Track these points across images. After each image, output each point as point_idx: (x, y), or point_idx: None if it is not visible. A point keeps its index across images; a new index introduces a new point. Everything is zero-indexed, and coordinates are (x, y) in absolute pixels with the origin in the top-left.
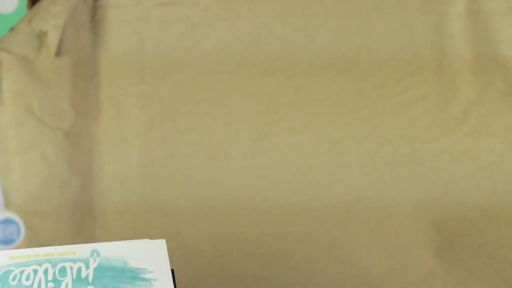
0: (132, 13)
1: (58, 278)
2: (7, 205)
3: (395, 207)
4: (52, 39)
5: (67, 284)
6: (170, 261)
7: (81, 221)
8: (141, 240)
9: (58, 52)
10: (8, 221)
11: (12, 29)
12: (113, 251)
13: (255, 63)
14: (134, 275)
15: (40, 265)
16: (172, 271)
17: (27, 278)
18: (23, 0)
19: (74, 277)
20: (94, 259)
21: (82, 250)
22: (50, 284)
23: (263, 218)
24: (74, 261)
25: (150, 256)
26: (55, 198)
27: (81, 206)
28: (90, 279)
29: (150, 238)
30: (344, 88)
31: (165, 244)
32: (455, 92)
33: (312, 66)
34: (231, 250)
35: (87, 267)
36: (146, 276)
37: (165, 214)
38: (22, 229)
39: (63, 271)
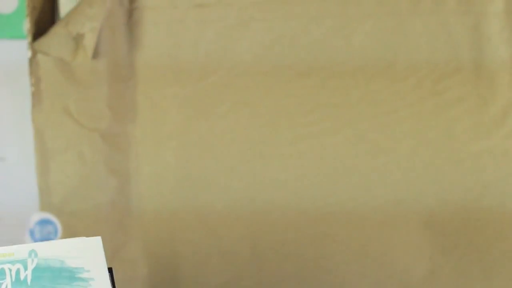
0: (167, 15)
1: None
2: (45, 205)
3: (433, 209)
4: (89, 42)
5: (6, 287)
6: (207, 263)
7: (118, 222)
8: (77, 238)
9: (95, 54)
10: (45, 221)
11: (49, 32)
12: (50, 250)
13: (291, 64)
14: (71, 275)
15: None
16: (110, 269)
17: None
18: (23, 0)
19: (13, 279)
20: (32, 260)
21: (20, 251)
22: None
23: (300, 219)
24: (12, 262)
25: (87, 255)
26: (92, 198)
27: (118, 207)
28: (28, 281)
29: (188, 239)
30: (381, 89)
31: (100, 242)
32: (493, 93)
33: (348, 67)
34: (268, 252)
35: (26, 268)
36: (84, 275)
37: (202, 215)
38: (59, 229)
39: (2, 273)
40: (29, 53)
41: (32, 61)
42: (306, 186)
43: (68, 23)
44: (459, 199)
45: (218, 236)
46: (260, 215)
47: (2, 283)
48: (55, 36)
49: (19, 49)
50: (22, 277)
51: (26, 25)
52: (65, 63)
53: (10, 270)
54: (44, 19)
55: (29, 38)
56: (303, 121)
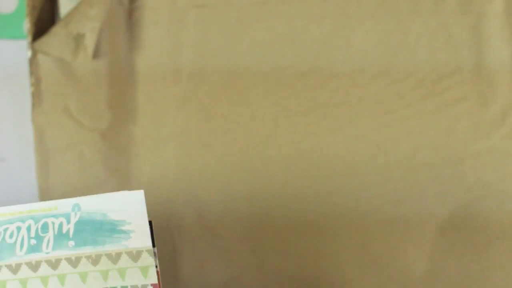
0: (168, 14)
1: (41, 234)
2: None
3: (433, 208)
4: (89, 42)
5: (49, 240)
6: (207, 263)
7: None
8: (120, 192)
9: (95, 54)
10: None
11: (49, 32)
12: (93, 204)
13: (292, 64)
14: (112, 227)
15: (23, 221)
16: (150, 222)
17: (11, 236)
18: (23, 0)
19: (56, 232)
20: (75, 214)
21: (64, 205)
22: (33, 241)
23: (300, 219)
24: (56, 216)
25: (129, 208)
26: None
27: None
28: (71, 234)
29: (188, 239)
30: (381, 89)
31: (143, 195)
32: (493, 93)
33: (349, 67)
34: (268, 251)
35: (68, 222)
36: (125, 228)
37: (202, 215)
38: None
39: (45, 227)
40: (29, 53)
41: (32, 61)
42: (306, 186)
43: (68, 23)
44: (458, 199)
45: (218, 236)
46: (260, 215)
47: (45, 236)
48: (56, 36)
49: (19, 49)
50: (64, 230)
51: (26, 25)
52: (65, 63)
53: (53, 223)
54: (44, 19)
55: (29, 38)
56: (303, 121)
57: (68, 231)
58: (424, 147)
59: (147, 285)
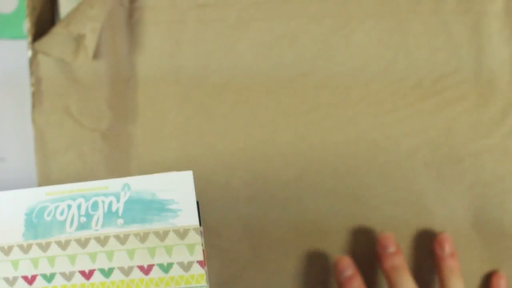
0: (168, 15)
1: (90, 212)
2: None
3: (433, 208)
4: (90, 42)
5: (98, 218)
6: (208, 263)
7: None
8: (169, 173)
9: (96, 55)
10: None
11: (50, 32)
12: (143, 184)
13: (292, 64)
14: (161, 206)
15: (74, 200)
16: (197, 202)
17: (61, 213)
18: (23, 0)
19: (105, 210)
20: (125, 193)
21: (114, 184)
22: (82, 218)
23: (300, 219)
24: (106, 195)
25: (177, 188)
26: None
27: None
28: (120, 212)
29: None
30: (381, 88)
31: (191, 176)
32: (493, 92)
33: (349, 66)
34: (268, 251)
35: (118, 201)
36: (173, 207)
37: (202, 215)
38: None
39: (95, 205)
40: (29, 53)
41: (33, 61)
42: (306, 186)
43: (68, 23)
44: (458, 198)
45: (218, 236)
46: (260, 215)
47: (95, 215)
48: (56, 37)
49: (19, 49)
50: (114, 209)
51: (26, 25)
52: (66, 63)
53: (103, 202)
54: (44, 19)
55: (29, 38)
56: (303, 121)
57: (117, 209)
58: (424, 146)
59: (193, 262)
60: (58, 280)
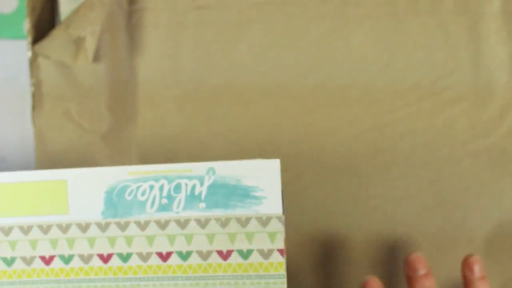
0: (167, 17)
1: (173, 194)
2: None
3: (432, 208)
4: (90, 45)
5: (180, 200)
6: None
7: None
8: (256, 160)
9: (96, 57)
10: None
11: (50, 35)
12: (228, 169)
13: (291, 65)
14: (245, 192)
15: (157, 181)
16: (282, 192)
17: (143, 194)
18: (23, 0)
19: (188, 193)
20: (209, 177)
21: (199, 168)
22: (164, 200)
23: (300, 219)
24: (189, 178)
25: (263, 175)
26: None
27: None
28: (202, 196)
29: None
30: (380, 89)
31: (279, 164)
32: (491, 93)
33: (347, 67)
34: None
35: (201, 184)
36: (257, 194)
37: None
38: None
39: (178, 187)
40: (29, 54)
41: (33, 64)
42: (306, 186)
43: (68, 26)
44: (457, 198)
45: None
46: None
47: (177, 197)
48: (56, 39)
49: (19, 49)
50: (196, 192)
51: (26, 26)
52: (66, 66)
53: (186, 185)
54: (44, 19)
55: (29, 39)
56: (303, 121)
57: (200, 193)
58: (423, 146)
59: (274, 250)
60: (134, 260)
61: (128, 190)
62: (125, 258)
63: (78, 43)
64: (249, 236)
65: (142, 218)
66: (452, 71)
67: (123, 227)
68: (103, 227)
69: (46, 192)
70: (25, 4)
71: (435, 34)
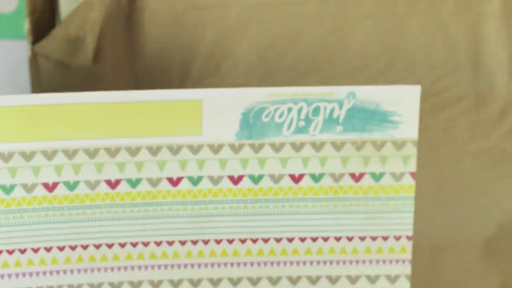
0: (166, 16)
1: (311, 117)
2: None
3: (431, 208)
4: (89, 44)
5: (317, 123)
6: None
7: None
8: (396, 86)
9: (95, 57)
10: None
11: (50, 35)
12: (368, 94)
13: (291, 65)
14: (383, 117)
15: (296, 103)
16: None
17: (280, 116)
18: (23, 0)
19: (326, 117)
20: (349, 101)
21: (339, 92)
22: (301, 123)
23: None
24: (329, 101)
25: (403, 101)
26: None
27: None
28: (340, 120)
29: None
30: None
31: (419, 90)
32: (491, 93)
33: (348, 67)
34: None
35: (340, 108)
36: (394, 118)
37: None
38: None
39: (316, 110)
40: (29, 54)
41: (33, 63)
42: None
43: (68, 26)
44: (456, 198)
45: None
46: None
47: (314, 120)
48: (56, 39)
49: (19, 49)
50: (335, 115)
51: (26, 26)
52: (65, 66)
53: (325, 108)
54: (44, 19)
55: (29, 39)
56: None
57: (338, 116)
58: (423, 147)
59: (405, 173)
60: (266, 182)
61: (266, 112)
62: (256, 180)
63: (78, 43)
64: (383, 159)
65: (277, 140)
66: (452, 71)
67: (257, 149)
68: (236, 149)
69: (179, 112)
70: (25, 4)
71: (435, 34)
